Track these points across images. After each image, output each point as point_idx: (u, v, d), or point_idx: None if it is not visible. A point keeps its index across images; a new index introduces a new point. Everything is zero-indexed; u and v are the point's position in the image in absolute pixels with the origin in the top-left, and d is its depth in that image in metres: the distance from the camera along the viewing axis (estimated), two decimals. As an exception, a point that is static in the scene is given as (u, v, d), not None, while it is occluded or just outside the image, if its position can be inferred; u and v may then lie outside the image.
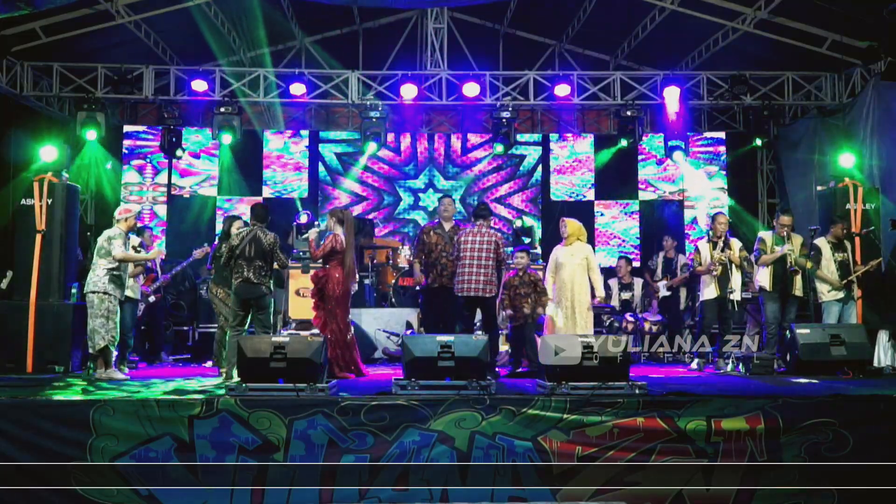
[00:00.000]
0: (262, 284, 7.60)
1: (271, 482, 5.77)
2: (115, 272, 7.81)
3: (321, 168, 14.42)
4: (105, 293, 7.74)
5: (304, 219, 11.46)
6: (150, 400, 5.91)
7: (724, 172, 14.33)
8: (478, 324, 8.67)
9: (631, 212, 14.43)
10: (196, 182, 14.11)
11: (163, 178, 14.00)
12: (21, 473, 5.71)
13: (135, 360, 9.36)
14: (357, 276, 8.55)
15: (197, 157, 14.06)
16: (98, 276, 7.78)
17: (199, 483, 5.75)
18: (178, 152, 12.90)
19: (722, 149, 14.37)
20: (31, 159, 10.59)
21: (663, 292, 11.38)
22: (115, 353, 8.84)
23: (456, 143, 14.58)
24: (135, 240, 9.01)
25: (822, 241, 9.14)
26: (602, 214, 14.35)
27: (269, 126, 14.14)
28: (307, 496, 5.76)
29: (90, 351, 7.85)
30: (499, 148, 12.99)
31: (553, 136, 14.56)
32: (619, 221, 14.41)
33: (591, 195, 14.48)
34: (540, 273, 9.01)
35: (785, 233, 8.85)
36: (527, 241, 11.51)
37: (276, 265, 7.83)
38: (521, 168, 14.57)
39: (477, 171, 14.55)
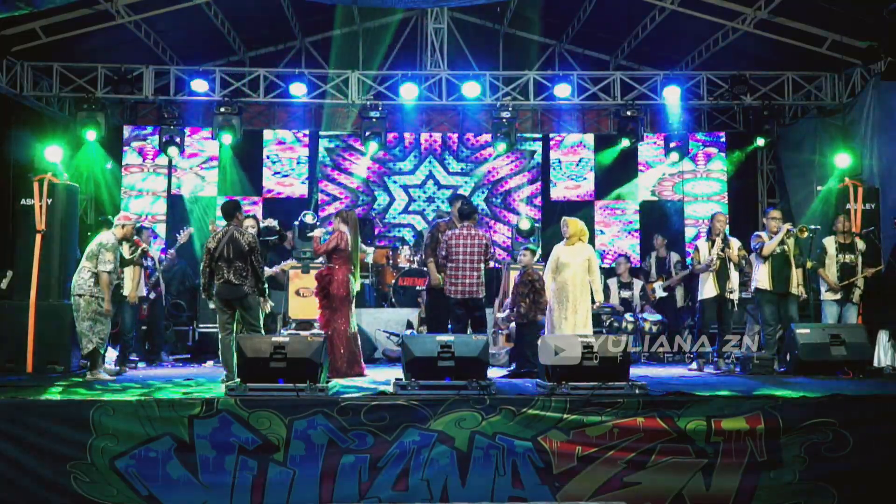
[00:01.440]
0: (244, 285, 7.38)
1: (271, 482, 5.78)
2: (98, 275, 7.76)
3: (320, 168, 14.41)
4: (91, 296, 7.70)
5: (308, 219, 11.46)
6: (150, 400, 5.92)
7: (723, 155, 14.29)
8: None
9: (632, 230, 14.36)
10: (197, 164, 14.04)
11: (163, 159, 13.75)
12: (21, 473, 5.72)
13: (135, 361, 9.37)
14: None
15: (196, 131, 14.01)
16: (83, 278, 7.74)
17: (199, 483, 5.76)
18: (172, 150, 12.77)
19: (721, 131, 14.41)
20: (32, 159, 10.59)
21: (660, 293, 11.38)
22: (115, 353, 8.87)
23: (456, 143, 14.57)
24: (125, 248, 8.95)
25: (829, 241, 9.15)
26: (602, 233, 14.28)
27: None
28: (307, 496, 5.77)
29: (82, 353, 7.84)
30: (500, 147, 12.95)
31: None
32: (621, 240, 14.31)
33: (591, 177, 14.42)
34: (540, 272, 9.02)
35: (776, 227, 8.84)
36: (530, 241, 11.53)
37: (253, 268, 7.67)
38: (522, 158, 14.56)
39: (479, 169, 14.55)
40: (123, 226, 8.08)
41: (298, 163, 14.29)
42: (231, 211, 7.66)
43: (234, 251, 7.38)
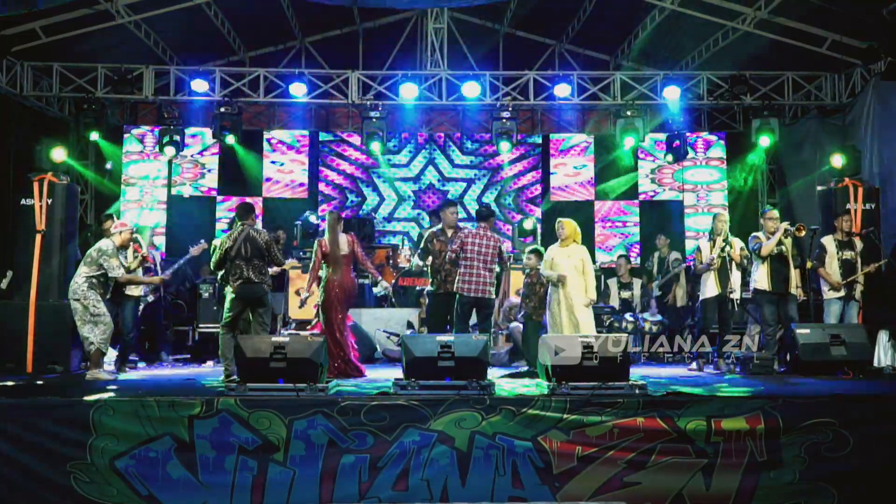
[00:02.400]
0: (263, 283, 7.61)
1: (271, 482, 5.78)
2: (93, 279, 7.78)
3: (321, 168, 14.41)
4: (87, 299, 7.72)
5: (313, 219, 11.45)
6: (150, 400, 5.91)
7: (723, 143, 14.27)
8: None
9: (630, 243, 14.30)
10: (198, 150, 13.98)
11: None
12: (21, 473, 5.72)
13: (135, 360, 9.36)
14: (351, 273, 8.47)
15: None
16: (78, 283, 7.78)
17: (199, 483, 5.75)
18: (169, 150, 12.70)
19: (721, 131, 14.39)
20: (31, 159, 10.58)
21: (656, 292, 11.39)
22: (114, 353, 8.87)
23: (456, 143, 14.58)
24: (129, 254, 8.99)
25: (827, 239, 9.13)
26: (601, 250, 14.24)
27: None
28: (307, 496, 5.77)
29: (86, 355, 7.84)
30: (504, 146, 12.89)
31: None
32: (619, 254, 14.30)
33: (590, 165, 14.40)
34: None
35: (773, 227, 8.82)
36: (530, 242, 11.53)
37: (273, 264, 7.84)
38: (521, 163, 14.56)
39: (477, 170, 14.57)
40: (121, 233, 8.10)
41: (298, 162, 14.29)
42: (246, 213, 7.80)
43: (253, 249, 7.55)
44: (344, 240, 8.28)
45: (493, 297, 8.36)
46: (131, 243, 8.54)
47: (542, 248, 8.90)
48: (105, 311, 7.83)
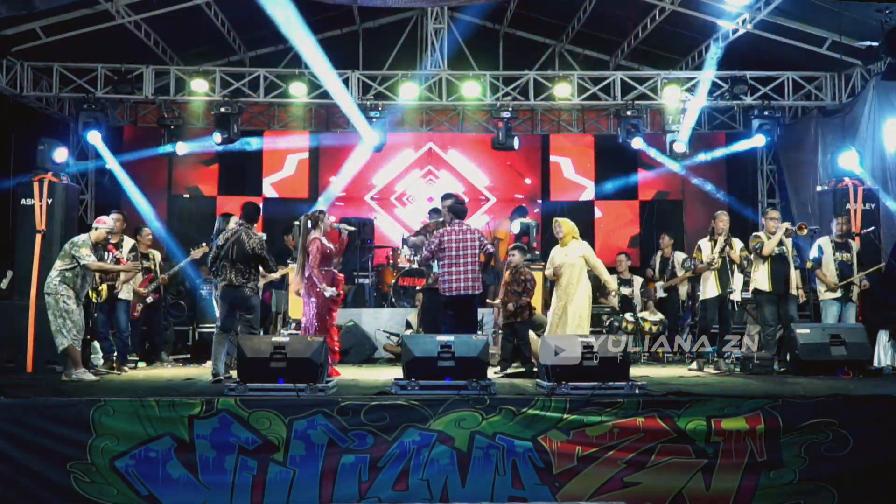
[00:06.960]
0: (245, 286, 7.44)
1: (271, 482, 5.77)
2: (67, 273, 7.70)
3: (320, 168, 14.41)
4: (57, 294, 7.64)
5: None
6: (150, 400, 5.90)
7: (723, 143, 14.26)
8: None
9: (632, 246, 14.32)
10: (198, 151, 13.98)
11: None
12: (21, 473, 5.72)
13: (135, 360, 9.36)
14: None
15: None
16: (52, 277, 7.73)
17: (199, 483, 5.75)
18: (168, 150, 12.71)
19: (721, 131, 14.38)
20: (32, 159, 10.59)
21: (660, 293, 11.36)
22: (102, 353, 8.86)
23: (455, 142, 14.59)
24: (128, 242, 9.01)
25: (824, 241, 9.15)
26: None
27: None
28: (307, 496, 5.77)
29: (58, 351, 7.70)
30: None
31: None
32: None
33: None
34: (535, 272, 9.07)
35: (774, 226, 8.82)
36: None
37: (262, 268, 7.72)
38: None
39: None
40: (97, 229, 8.02)
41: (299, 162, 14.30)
42: (251, 215, 7.69)
43: (238, 253, 7.44)
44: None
45: (478, 293, 8.26)
46: (108, 243, 8.45)
47: (523, 245, 8.88)
48: (74, 309, 7.71)
